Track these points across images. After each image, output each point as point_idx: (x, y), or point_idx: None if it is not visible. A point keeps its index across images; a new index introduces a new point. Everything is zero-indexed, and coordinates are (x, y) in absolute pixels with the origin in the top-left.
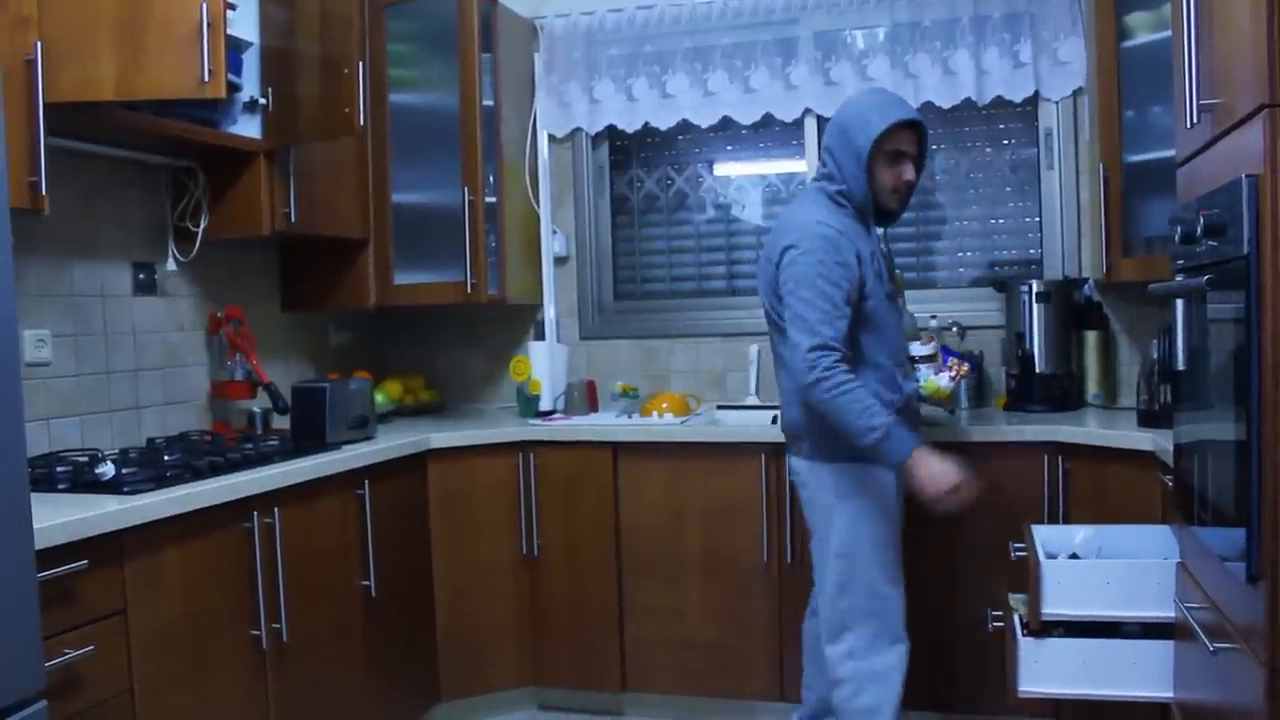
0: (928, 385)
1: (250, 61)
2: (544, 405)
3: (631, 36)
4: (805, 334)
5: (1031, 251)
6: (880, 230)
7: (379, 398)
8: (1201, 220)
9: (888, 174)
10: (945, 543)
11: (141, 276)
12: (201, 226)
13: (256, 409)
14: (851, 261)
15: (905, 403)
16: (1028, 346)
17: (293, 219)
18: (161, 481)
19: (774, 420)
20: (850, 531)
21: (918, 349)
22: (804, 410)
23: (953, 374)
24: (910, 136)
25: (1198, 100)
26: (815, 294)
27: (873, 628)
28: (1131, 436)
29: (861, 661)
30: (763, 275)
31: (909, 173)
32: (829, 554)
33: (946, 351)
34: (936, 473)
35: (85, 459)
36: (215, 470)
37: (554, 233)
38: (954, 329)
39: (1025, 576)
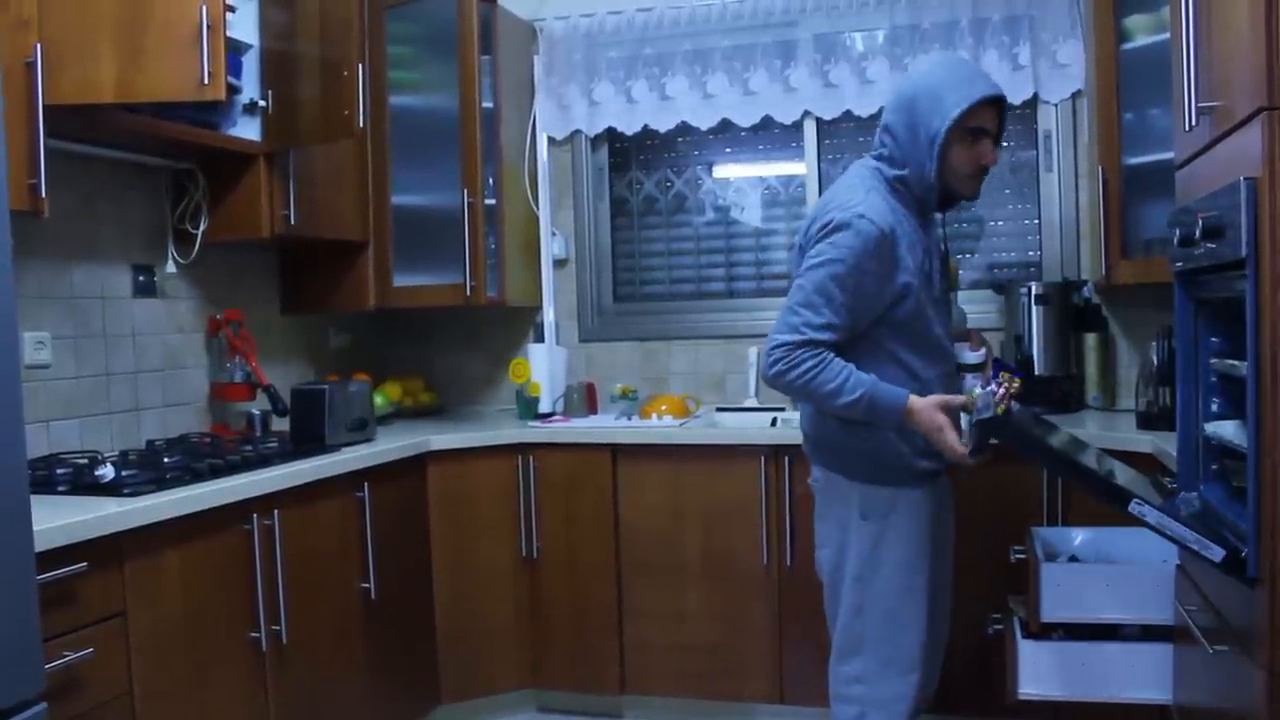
0: (973, 398)
1: (250, 64)
2: (543, 407)
3: (631, 39)
4: (785, 330)
5: (1030, 254)
6: (939, 216)
7: (378, 400)
8: (1200, 223)
9: (965, 156)
10: None
11: (141, 279)
12: (201, 229)
13: (256, 411)
14: (886, 269)
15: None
16: (1027, 349)
17: (292, 221)
18: (161, 484)
19: (773, 423)
20: (871, 553)
21: (967, 356)
22: (820, 418)
23: (1003, 390)
24: (991, 113)
25: (1196, 103)
26: (818, 293)
27: (885, 654)
28: (1131, 439)
29: (869, 688)
30: (794, 261)
31: (989, 155)
32: (845, 574)
33: (998, 364)
34: (938, 439)
35: (85, 461)
36: (215, 472)
37: (553, 235)
38: None
39: (1025, 579)
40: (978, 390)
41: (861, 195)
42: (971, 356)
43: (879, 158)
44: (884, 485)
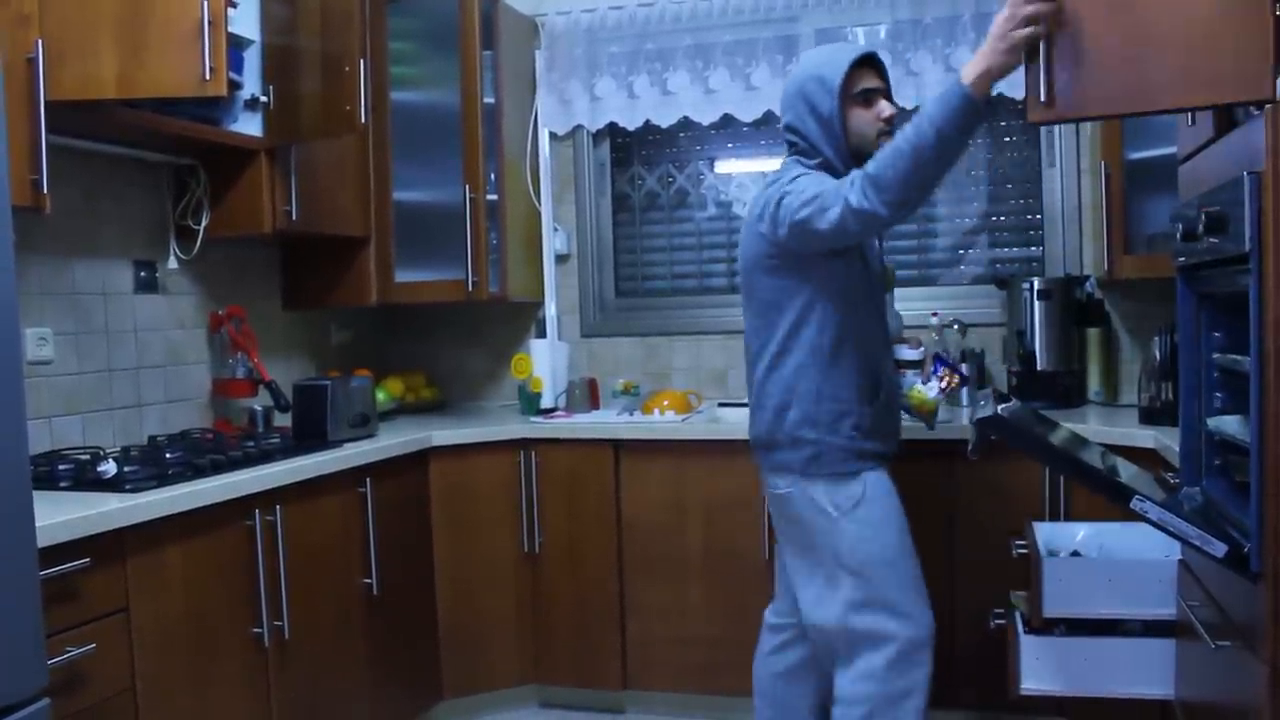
0: (912, 395)
1: (251, 59)
2: (545, 403)
3: (633, 34)
4: (837, 196)
5: (1033, 249)
6: None
7: (380, 395)
8: (1203, 217)
9: (866, 118)
10: (947, 539)
11: (143, 274)
12: (203, 224)
13: (258, 407)
14: None
15: (885, 396)
16: (1029, 344)
17: (294, 217)
18: (163, 479)
19: None
20: (858, 547)
21: (905, 353)
22: (780, 415)
23: (942, 385)
24: (872, 73)
25: None
26: (814, 188)
27: (892, 649)
28: (1133, 434)
29: (880, 685)
30: (745, 252)
31: (887, 109)
32: (839, 572)
33: (939, 361)
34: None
35: (87, 457)
36: (217, 468)
37: (555, 230)
38: (955, 326)
39: (1027, 574)
40: (918, 386)
41: (792, 172)
42: (909, 353)
43: (794, 154)
44: (846, 474)
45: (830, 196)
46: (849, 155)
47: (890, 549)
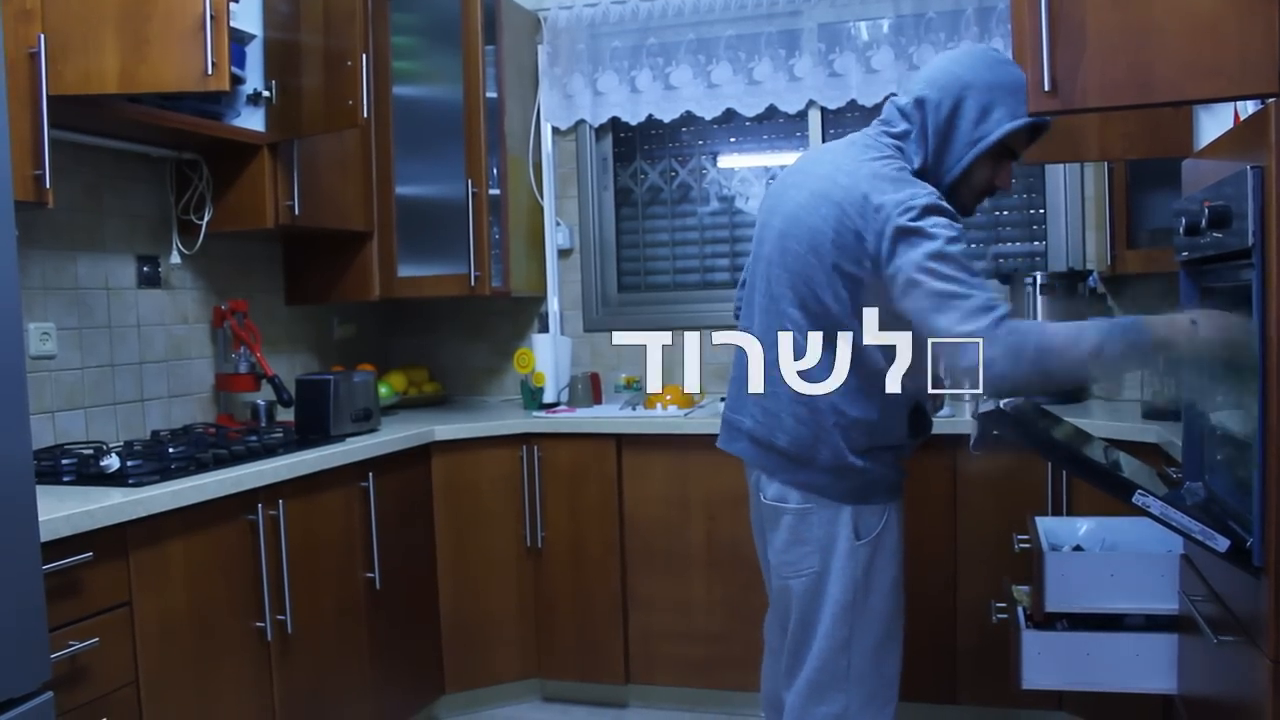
0: None
1: (254, 54)
2: (548, 397)
3: (635, 28)
4: (978, 312)
5: (1036, 243)
6: None
7: (383, 390)
8: (1206, 212)
9: (986, 173)
10: (949, 534)
11: (146, 269)
12: (205, 219)
13: (261, 401)
14: None
15: (928, 426)
16: None
17: (296, 212)
18: (166, 474)
19: None
20: (864, 578)
21: None
22: (821, 436)
23: None
24: (1026, 137)
25: None
26: (966, 269)
27: (870, 687)
28: (1136, 429)
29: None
30: (813, 231)
31: (1008, 180)
32: (825, 604)
33: None
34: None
35: (90, 451)
36: (219, 462)
37: (558, 225)
38: None
39: (1029, 568)
40: None
41: (902, 175)
42: None
43: (900, 135)
44: (877, 502)
45: (976, 300)
46: (946, 187)
47: (884, 589)
